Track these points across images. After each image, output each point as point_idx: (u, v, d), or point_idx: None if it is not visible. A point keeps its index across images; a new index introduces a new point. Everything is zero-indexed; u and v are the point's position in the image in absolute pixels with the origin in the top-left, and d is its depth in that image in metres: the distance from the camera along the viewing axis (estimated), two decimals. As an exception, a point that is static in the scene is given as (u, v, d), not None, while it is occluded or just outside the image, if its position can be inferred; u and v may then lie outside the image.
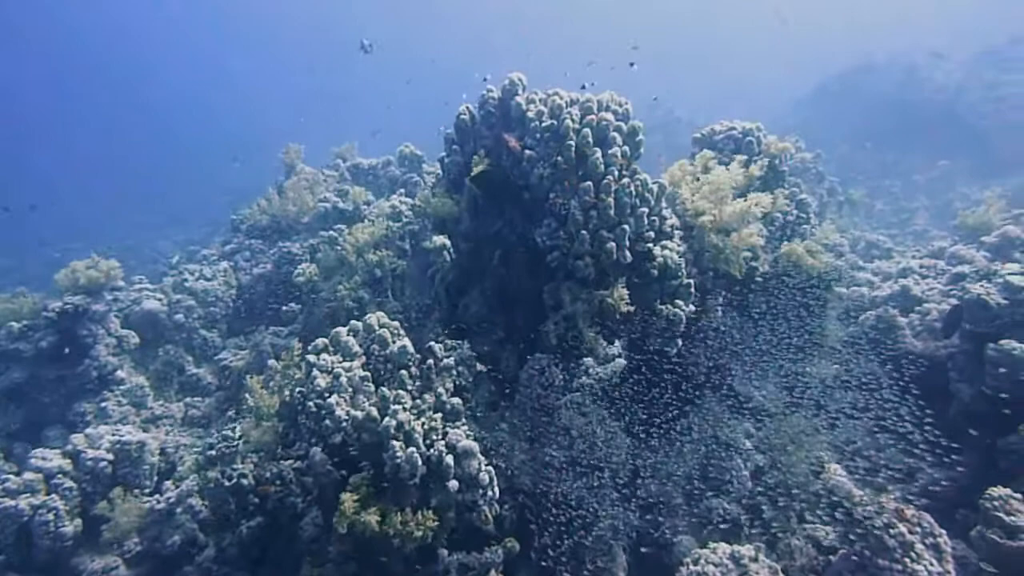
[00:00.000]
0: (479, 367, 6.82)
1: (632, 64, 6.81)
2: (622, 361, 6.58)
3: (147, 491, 7.80)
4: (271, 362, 6.96)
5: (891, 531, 5.88)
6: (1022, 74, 24.99)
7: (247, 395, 6.77)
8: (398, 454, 5.26)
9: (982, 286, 7.50)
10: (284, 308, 10.62)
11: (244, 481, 6.49)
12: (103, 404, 9.18)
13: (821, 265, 7.62)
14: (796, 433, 7.12)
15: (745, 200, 7.19)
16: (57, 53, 66.58)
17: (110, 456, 7.54)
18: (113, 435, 7.77)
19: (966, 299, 7.59)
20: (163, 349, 10.37)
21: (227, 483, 6.53)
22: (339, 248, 9.63)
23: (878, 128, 25.62)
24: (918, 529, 5.88)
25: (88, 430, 7.93)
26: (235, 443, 6.85)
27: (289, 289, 10.77)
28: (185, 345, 10.72)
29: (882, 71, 29.17)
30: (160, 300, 10.86)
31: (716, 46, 55.29)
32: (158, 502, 7.16)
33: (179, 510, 7.19)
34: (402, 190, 11.98)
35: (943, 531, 5.88)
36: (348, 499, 5.18)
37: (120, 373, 9.56)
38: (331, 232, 10.68)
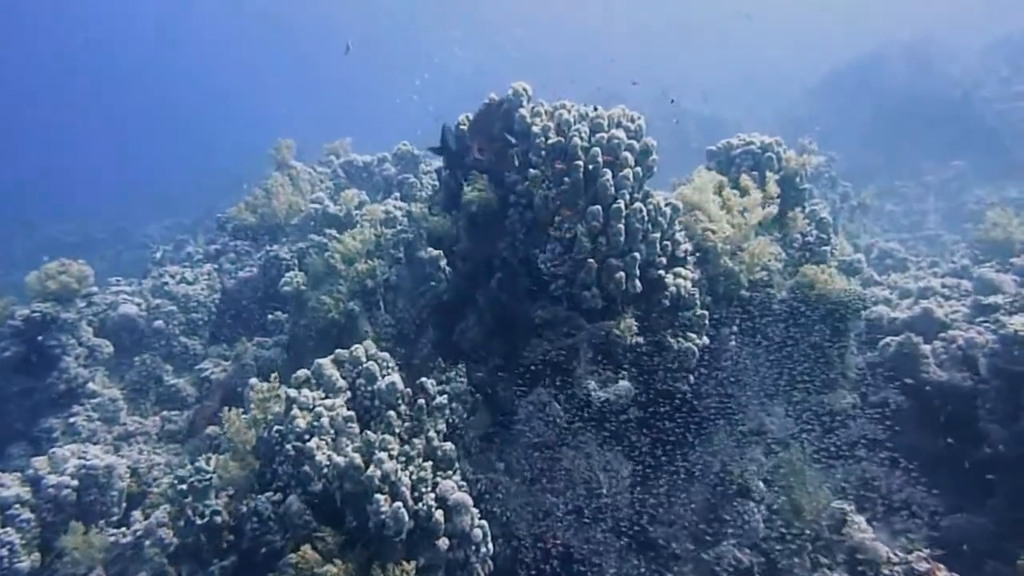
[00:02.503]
0: (476, 395, 6.35)
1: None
2: (627, 384, 6.07)
3: (115, 518, 7.27)
4: (252, 382, 6.42)
5: (922, 597, 5.43)
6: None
7: (223, 423, 6.23)
8: (383, 508, 4.75)
9: (1021, 323, 7.04)
10: (270, 317, 10.05)
11: (218, 519, 5.97)
12: (72, 420, 8.62)
13: (842, 291, 7.11)
14: (809, 472, 6.66)
15: (745, 215, 6.68)
16: (58, 31, 65.36)
17: (74, 483, 7.00)
18: (79, 458, 7.23)
19: (1001, 334, 7.11)
20: (140, 358, 9.80)
21: (199, 520, 6.01)
22: (328, 255, 9.06)
23: (890, 124, 24.76)
24: (951, 594, 5.43)
25: (53, 451, 7.38)
26: (208, 477, 6.31)
27: (275, 297, 10.20)
28: (164, 353, 10.16)
29: (895, 62, 28.00)
30: (138, 304, 10.30)
31: (719, 25, 53.36)
32: (124, 535, 6.64)
33: (148, 543, 6.66)
34: (397, 193, 11.41)
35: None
36: (306, 552, 4.70)
37: (91, 386, 9.00)
38: (320, 237, 10.12)
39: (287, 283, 9.36)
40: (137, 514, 6.96)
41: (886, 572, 5.82)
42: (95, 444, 8.29)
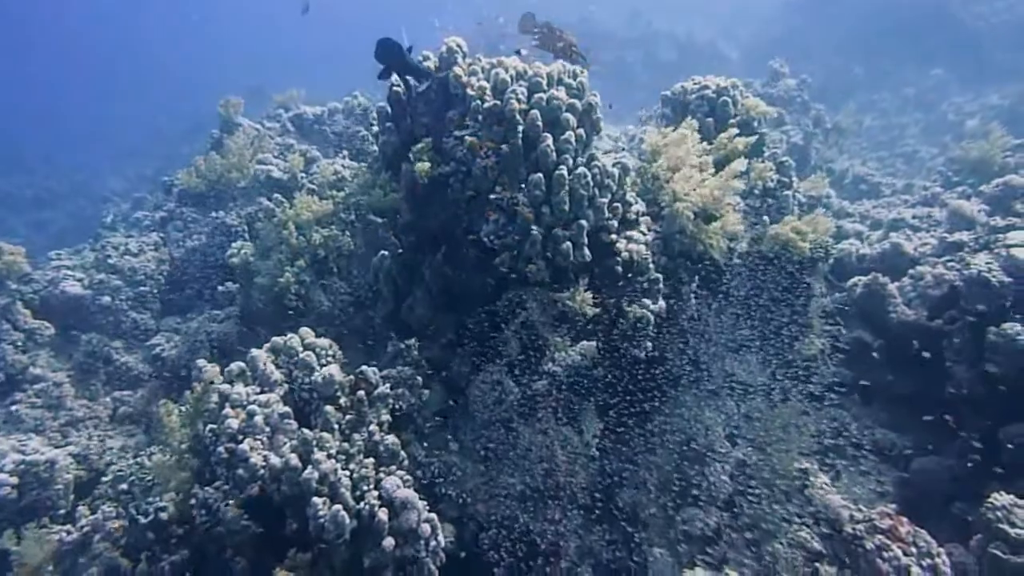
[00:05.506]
0: (428, 373, 6.11)
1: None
2: (590, 343, 5.85)
3: (62, 512, 7.02)
4: (199, 364, 6.03)
5: (884, 554, 5.36)
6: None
7: (161, 416, 5.92)
8: (321, 512, 4.52)
9: (984, 262, 6.85)
10: (220, 288, 9.62)
11: (163, 515, 5.75)
12: (13, 408, 8.23)
13: (809, 246, 6.84)
14: (777, 426, 6.53)
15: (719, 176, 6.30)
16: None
17: (14, 480, 6.72)
18: (17, 453, 6.92)
19: (966, 275, 6.94)
20: (86, 337, 9.37)
21: (143, 519, 5.78)
22: (277, 222, 8.57)
23: (868, 35, 23.90)
24: (913, 549, 5.37)
25: (-9, 447, 7.07)
26: (150, 475, 6.06)
27: (225, 266, 9.73)
28: (112, 330, 9.73)
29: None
30: (81, 281, 9.81)
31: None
32: (69, 533, 6.38)
33: (97, 538, 6.43)
34: (345, 152, 10.87)
35: (941, 549, 5.37)
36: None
37: (33, 370, 8.58)
38: (268, 202, 9.62)
39: (233, 254, 8.92)
40: (83, 509, 6.70)
41: (849, 531, 5.74)
42: (40, 433, 7.97)
